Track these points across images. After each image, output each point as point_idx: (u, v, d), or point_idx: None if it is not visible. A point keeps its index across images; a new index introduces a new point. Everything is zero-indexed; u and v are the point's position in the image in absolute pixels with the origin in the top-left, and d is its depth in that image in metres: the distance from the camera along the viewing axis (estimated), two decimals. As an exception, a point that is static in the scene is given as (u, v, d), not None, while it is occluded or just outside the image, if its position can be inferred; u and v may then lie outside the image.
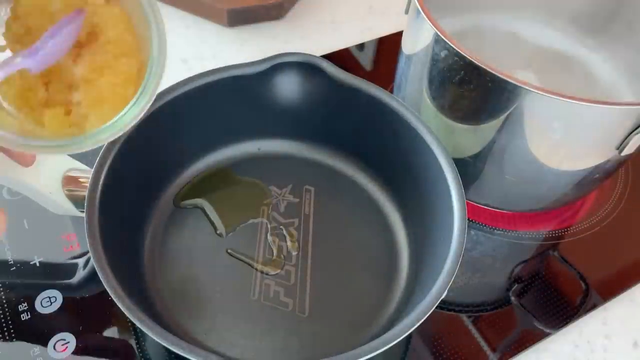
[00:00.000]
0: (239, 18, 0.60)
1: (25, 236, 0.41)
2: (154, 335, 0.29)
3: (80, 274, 0.40)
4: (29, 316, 0.37)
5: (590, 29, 0.49)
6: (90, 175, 0.34)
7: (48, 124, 0.30)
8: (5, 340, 0.36)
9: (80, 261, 0.40)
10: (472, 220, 0.46)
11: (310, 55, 0.40)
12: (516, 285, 0.43)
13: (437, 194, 0.37)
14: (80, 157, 0.40)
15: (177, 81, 0.39)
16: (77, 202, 0.38)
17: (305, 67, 0.41)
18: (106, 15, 0.30)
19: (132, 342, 0.37)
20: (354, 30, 0.63)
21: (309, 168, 0.45)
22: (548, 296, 0.42)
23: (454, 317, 0.41)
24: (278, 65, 0.40)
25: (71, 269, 0.40)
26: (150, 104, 0.31)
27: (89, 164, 0.44)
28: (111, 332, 0.38)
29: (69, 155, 0.39)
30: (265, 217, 0.43)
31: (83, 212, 0.32)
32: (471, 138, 0.41)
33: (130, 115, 0.32)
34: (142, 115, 0.32)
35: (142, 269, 0.38)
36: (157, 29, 0.31)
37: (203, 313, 0.37)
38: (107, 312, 0.38)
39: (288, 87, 0.42)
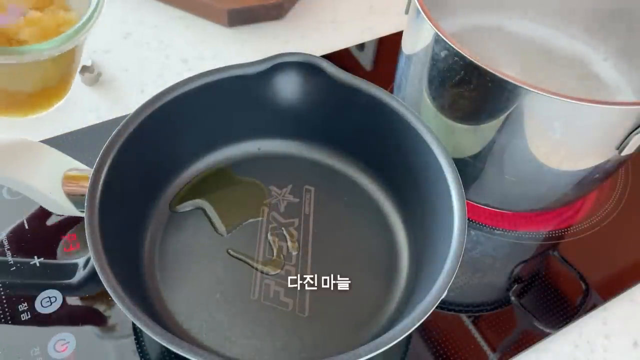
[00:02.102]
0: (239, 18, 0.60)
1: (25, 236, 0.41)
2: (154, 335, 0.29)
3: (80, 274, 0.40)
4: (29, 316, 0.37)
5: (592, 28, 0.49)
6: (90, 175, 0.34)
7: None
8: (5, 340, 0.36)
9: (80, 261, 0.40)
10: (472, 220, 0.46)
11: (310, 55, 0.40)
12: (516, 285, 0.43)
13: (437, 194, 0.37)
14: (81, 157, 0.40)
15: (177, 81, 0.39)
16: (77, 202, 0.38)
17: (306, 67, 0.40)
18: None
19: (132, 342, 0.37)
20: (354, 30, 0.63)
21: (309, 168, 0.45)
22: (548, 296, 0.42)
23: (454, 317, 0.41)
24: (278, 65, 0.40)
25: (71, 269, 0.40)
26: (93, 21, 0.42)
27: (89, 163, 0.44)
28: (111, 332, 0.38)
29: (67, 154, 0.39)
30: (265, 217, 0.43)
31: (83, 212, 0.32)
32: (471, 138, 0.41)
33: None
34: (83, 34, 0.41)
35: (142, 269, 0.38)
36: None
37: (203, 313, 0.37)
38: (107, 312, 0.38)
39: (288, 87, 0.42)
